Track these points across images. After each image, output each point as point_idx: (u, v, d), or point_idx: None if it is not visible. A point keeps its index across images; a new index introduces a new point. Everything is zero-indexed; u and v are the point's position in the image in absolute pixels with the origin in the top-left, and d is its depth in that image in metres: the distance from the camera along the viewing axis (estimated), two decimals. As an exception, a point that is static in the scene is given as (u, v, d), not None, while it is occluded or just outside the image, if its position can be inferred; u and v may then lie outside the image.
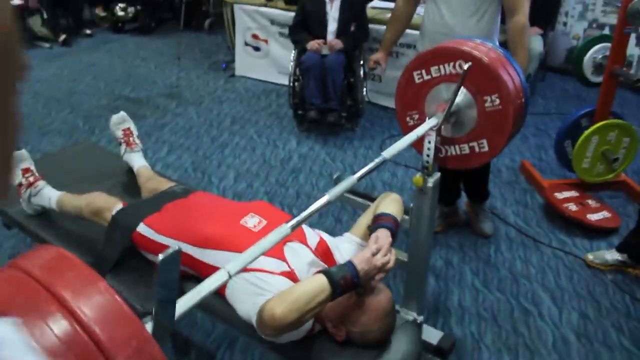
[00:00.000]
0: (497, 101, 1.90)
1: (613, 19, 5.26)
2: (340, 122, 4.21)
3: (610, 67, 3.15)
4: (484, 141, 1.95)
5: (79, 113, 4.68)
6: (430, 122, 1.89)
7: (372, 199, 2.23)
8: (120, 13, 7.15)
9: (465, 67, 1.83)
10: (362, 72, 4.28)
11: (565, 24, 5.55)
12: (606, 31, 5.18)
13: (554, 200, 3.19)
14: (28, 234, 2.41)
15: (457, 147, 2.02)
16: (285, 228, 1.28)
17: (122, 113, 2.59)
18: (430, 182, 1.97)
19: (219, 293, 1.58)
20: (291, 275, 1.58)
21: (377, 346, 1.55)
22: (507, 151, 3.95)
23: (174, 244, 1.82)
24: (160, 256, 0.88)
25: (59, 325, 0.76)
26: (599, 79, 3.34)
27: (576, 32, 5.53)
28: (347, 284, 1.43)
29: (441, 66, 2.03)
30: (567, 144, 3.40)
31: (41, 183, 2.27)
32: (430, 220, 2.04)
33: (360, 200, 2.31)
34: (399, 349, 1.57)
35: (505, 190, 3.48)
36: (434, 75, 2.05)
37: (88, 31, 7.06)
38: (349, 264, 1.46)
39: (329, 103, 4.12)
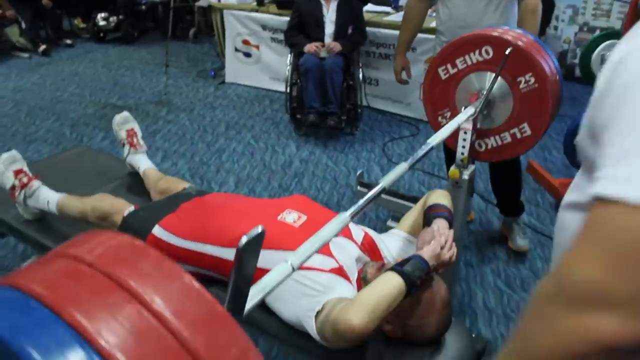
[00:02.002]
0: (532, 80, 1.82)
1: (604, 22, 5.28)
2: (340, 125, 4.10)
3: (620, 62, 3.11)
4: (525, 125, 1.86)
5: (65, 121, 4.49)
6: (467, 111, 1.80)
7: (407, 199, 2.12)
8: (102, 23, 6.99)
9: (507, 52, 1.75)
10: (360, 75, 4.19)
11: (556, 28, 5.56)
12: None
13: (567, 198, 3.11)
14: (26, 241, 2.23)
15: (496, 137, 1.93)
16: (345, 216, 1.16)
17: (126, 113, 2.43)
18: (466, 174, 1.88)
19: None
20: (340, 272, 1.45)
21: (434, 341, 1.43)
22: (511, 152, 3.88)
23: (195, 248, 1.70)
24: (244, 238, 0.74)
25: (142, 331, 0.61)
26: (607, 76, 3.29)
27: (567, 36, 5.53)
28: (423, 282, 1.32)
29: (467, 56, 1.95)
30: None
31: (36, 183, 2.11)
32: (465, 214, 1.95)
33: (394, 199, 2.17)
34: (454, 346, 1.45)
35: (515, 191, 3.40)
36: (461, 67, 1.97)
37: (69, 41, 6.87)
38: (421, 260, 1.33)
39: (328, 106, 4.02)
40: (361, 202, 1.21)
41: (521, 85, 1.82)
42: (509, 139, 1.90)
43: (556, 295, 0.60)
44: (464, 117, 1.76)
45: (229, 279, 0.78)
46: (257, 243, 0.77)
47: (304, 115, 4.11)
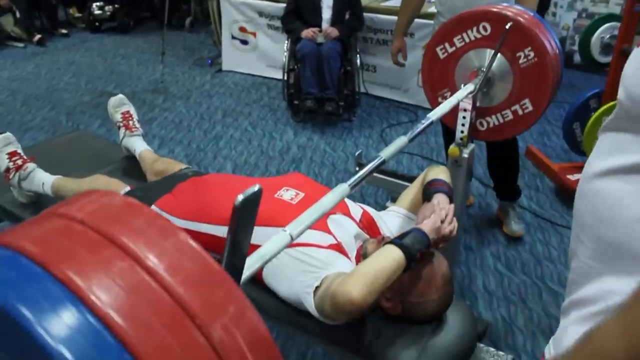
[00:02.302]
0: (532, 54, 1.79)
1: (603, 8, 5.25)
2: (338, 111, 4.07)
3: (620, 45, 3.08)
4: (526, 101, 1.84)
5: (61, 110, 4.45)
6: (467, 88, 1.78)
7: (406, 179, 2.10)
8: (98, 12, 6.92)
9: (507, 26, 1.73)
10: (358, 61, 4.15)
11: (554, 14, 5.52)
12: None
13: (567, 182, 3.10)
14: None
15: (497, 115, 1.91)
16: (344, 187, 1.14)
17: (121, 95, 2.40)
18: (466, 152, 1.86)
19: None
20: (339, 248, 1.42)
21: (435, 319, 1.41)
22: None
23: (192, 227, 1.68)
24: (240, 196, 0.72)
25: (134, 286, 0.58)
26: (606, 59, 3.28)
27: (565, 23, 5.50)
28: (422, 256, 1.29)
29: (464, 34, 1.93)
30: (576, 126, 3.31)
31: (31, 165, 2.08)
32: (464, 193, 1.93)
33: (392, 179, 2.15)
34: (457, 325, 1.43)
35: (514, 175, 3.38)
36: (459, 45, 1.96)
37: (64, 31, 6.81)
38: (421, 234, 1.31)
39: (326, 92, 3.99)
40: (361, 172, 1.19)
41: (521, 61, 1.80)
42: (510, 116, 1.88)
43: None
44: (463, 93, 1.73)
45: (226, 239, 0.76)
46: (254, 201, 0.74)
47: (302, 101, 4.08)
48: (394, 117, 4.31)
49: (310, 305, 1.32)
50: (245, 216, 0.75)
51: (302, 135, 3.96)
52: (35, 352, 0.55)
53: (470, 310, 1.54)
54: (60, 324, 0.55)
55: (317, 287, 1.32)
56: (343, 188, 1.13)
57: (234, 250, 0.76)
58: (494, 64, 1.84)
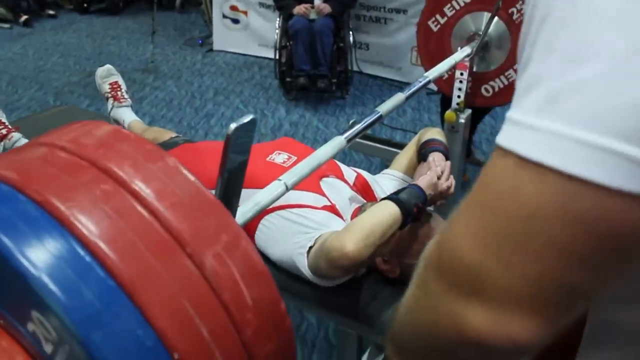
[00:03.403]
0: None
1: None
2: (331, 88, 4.02)
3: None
4: None
5: (48, 90, 4.38)
6: (464, 50, 1.74)
7: (393, 145, 2.07)
8: (86, -7, 6.80)
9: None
10: (351, 39, 4.10)
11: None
12: None
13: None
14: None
15: (501, 78, 1.88)
16: (340, 139, 1.10)
17: (108, 65, 2.34)
18: (462, 118, 1.83)
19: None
20: (333, 210, 1.38)
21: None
22: (504, 114, 3.83)
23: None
24: (233, 124, 0.68)
25: (119, 210, 0.54)
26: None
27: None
28: (419, 212, 1.25)
29: (453, 1, 1.91)
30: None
31: (16, 135, 2.03)
32: (461, 160, 1.90)
33: (379, 146, 2.12)
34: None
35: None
36: (450, 14, 1.94)
37: (51, 12, 6.69)
38: (417, 188, 1.27)
39: (318, 69, 3.94)
40: (358, 126, 1.15)
41: (514, 17, 1.77)
42: (515, 76, 1.85)
43: (437, 267, 0.46)
44: (461, 55, 1.70)
45: (219, 169, 0.72)
46: (248, 132, 0.70)
47: (294, 78, 4.02)
48: (387, 94, 4.24)
49: (303, 265, 1.28)
50: (238, 146, 0.71)
51: (295, 113, 3.92)
52: (15, 280, 0.51)
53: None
54: (39, 249, 0.51)
55: (310, 247, 1.28)
56: (339, 140, 1.10)
57: (227, 182, 0.72)
58: (491, 28, 1.81)
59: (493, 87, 1.89)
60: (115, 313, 0.50)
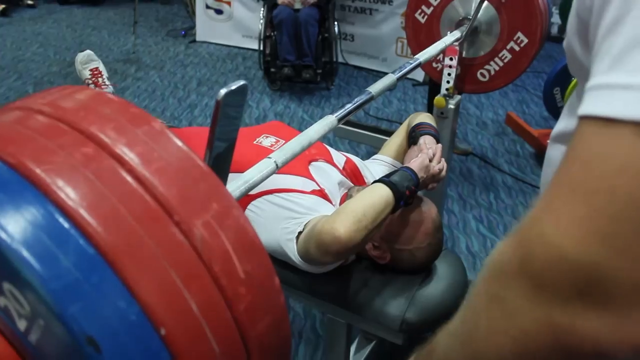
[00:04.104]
0: None
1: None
2: (316, 79, 3.98)
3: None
4: (519, 34, 1.78)
5: (27, 80, 4.28)
6: (454, 34, 1.71)
7: (381, 131, 2.04)
8: (65, -17, 6.68)
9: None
10: (336, 29, 4.06)
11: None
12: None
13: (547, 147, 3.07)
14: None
15: (496, 60, 1.85)
16: (331, 118, 1.06)
17: (88, 51, 2.27)
18: (452, 103, 1.80)
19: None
20: (322, 194, 1.34)
21: (424, 268, 1.35)
22: (490, 105, 3.84)
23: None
24: (223, 90, 0.64)
25: (100, 174, 0.50)
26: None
27: (543, -6, 5.47)
28: (412, 194, 1.21)
29: None
30: (557, 91, 3.28)
31: None
32: (450, 145, 1.87)
33: (367, 132, 2.08)
34: (447, 275, 1.38)
35: (495, 142, 3.35)
36: (435, 3, 1.91)
37: (30, 2, 6.56)
38: (409, 171, 1.23)
39: (303, 59, 3.89)
40: (348, 106, 1.11)
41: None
42: (509, 56, 1.82)
43: (522, 274, 0.39)
44: (450, 38, 1.67)
45: (208, 138, 0.68)
46: (239, 99, 0.66)
47: (278, 69, 3.97)
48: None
49: (292, 251, 1.24)
50: (228, 114, 0.67)
51: (279, 104, 3.87)
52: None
53: (460, 260, 1.50)
54: (11, 214, 0.47)
55: (300, 233, 1.24)
56: (330, 119, 1.06)
57: (216, 153, 0.68)
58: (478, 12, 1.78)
59: (489, 71, 1.86)
60: (95, 284, 0.46)
